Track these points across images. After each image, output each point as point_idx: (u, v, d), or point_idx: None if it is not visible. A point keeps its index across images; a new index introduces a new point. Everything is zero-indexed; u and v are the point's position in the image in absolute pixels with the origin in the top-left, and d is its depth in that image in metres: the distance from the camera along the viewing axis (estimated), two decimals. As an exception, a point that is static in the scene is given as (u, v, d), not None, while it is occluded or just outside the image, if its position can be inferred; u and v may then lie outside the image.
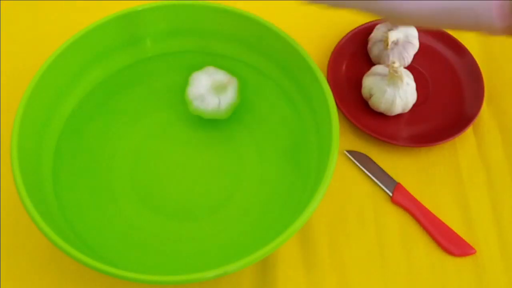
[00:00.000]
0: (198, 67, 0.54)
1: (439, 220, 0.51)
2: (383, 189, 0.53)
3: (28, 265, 0.49)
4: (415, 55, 0.58)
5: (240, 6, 0.51)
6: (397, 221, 0.51)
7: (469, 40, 0.61)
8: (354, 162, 0.54)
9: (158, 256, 0.47)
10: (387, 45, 0.56)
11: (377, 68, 0.55)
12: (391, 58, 0.57)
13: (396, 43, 0.56)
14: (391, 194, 0.52)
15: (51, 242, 0.40)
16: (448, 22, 0.32)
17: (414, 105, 0.57)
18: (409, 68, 0.58)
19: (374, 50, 0.58)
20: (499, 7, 0.28)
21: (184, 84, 0.54)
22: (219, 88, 0.51)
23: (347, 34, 0.60)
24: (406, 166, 0.54)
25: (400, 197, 0.52)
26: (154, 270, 0.42)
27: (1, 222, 0.50)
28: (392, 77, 0.52)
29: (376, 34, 0.58)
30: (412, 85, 0.54)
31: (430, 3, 0.32)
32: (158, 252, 0.47)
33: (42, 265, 0.49)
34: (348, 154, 0.54)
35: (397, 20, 0.34)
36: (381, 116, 0.56)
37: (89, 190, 0.50)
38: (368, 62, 0.60)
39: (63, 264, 0.48)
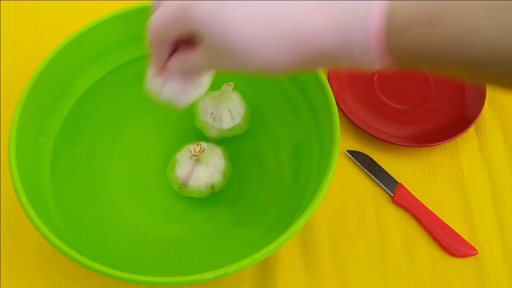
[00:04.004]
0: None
1: (441, 220, 0.50)
2: (384, 189, 0.52)
3: (27, 265, 0.49)
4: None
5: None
6: (398, 221, 0.51)
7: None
8: (355, 162, 0.54)
9: (157, 257, 0.47)
10: None
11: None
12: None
13: None
14: (392, 195, 0.52)
15: (50, 243, 0.39)
16: (327, 66, 0.31)
17: (416, 105, 0.56)
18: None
19: None
20: (377, 49, 0.28)
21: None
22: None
23: (348, 33, 0.59)
24: (408, 166, 0.54)
25: (402, 198, 0.52)
26: (153, 271, 0.42)
27: (1, 223, 0.50)
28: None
29: None
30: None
31: (292, 53, 0.30)
32: (157, 253, 0.47)
33: (41, 265, 0.49)
34: (349, 154, 0.54)
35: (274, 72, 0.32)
36: (382, 116, 0.56)
37: (87, 191, 0.50)
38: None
39: (62, 264, 0.48)
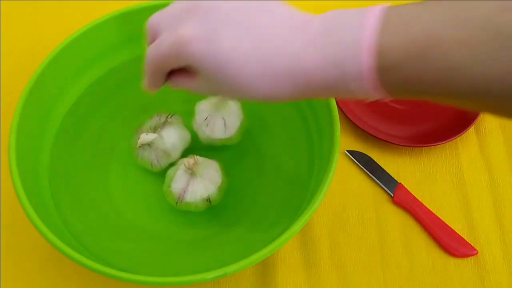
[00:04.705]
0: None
1: (441, 220, 0.50)
2: (384, 189, 0.52)
3: (27, 265, 0.49)
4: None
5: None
6: (398, 221, 0.51)
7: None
8: (355, 162, 0.54)
9: (157, 257, 0.47)
10: None
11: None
12: None
13: None
14: (392, 194, 0.52)
15: (50, 243, 0.39)
16: (327, 96, 0.32)
17: (416, 105, 0.56)
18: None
19: None
20: (370, 83, 0.29)
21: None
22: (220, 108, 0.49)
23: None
24: (408, 166, 0.54)
25: (402, 198, 0.52)
26: (153, 271, 0.42)
27: (1, 223, 0.50)
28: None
29: None
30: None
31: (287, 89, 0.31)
32: (157, 253, 0.47)
33: (41, 265, 0.49)
34: (349, 154, 0.54)
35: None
36: (382, 116, 0.56)
37: (87, 191, 0.50)
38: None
39: (62, 264, 0.48)
